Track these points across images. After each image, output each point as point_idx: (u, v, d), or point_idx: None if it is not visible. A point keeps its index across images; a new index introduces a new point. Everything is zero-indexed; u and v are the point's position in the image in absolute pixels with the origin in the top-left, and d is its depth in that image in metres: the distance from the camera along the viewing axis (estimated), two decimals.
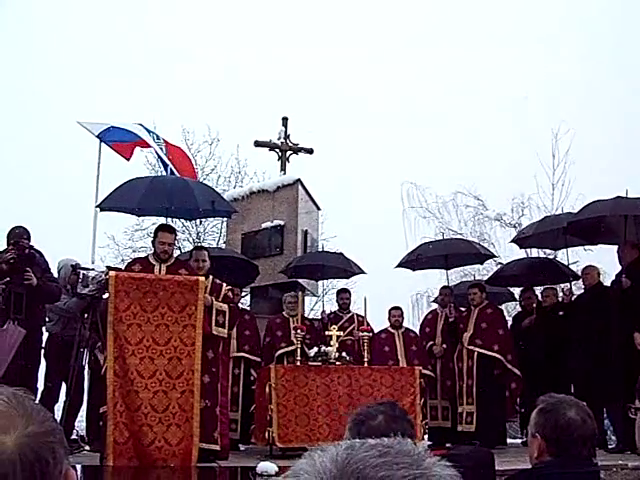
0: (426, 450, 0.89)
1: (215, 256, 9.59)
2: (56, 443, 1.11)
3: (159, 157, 11.78)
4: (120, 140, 11.50)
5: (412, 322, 17.30)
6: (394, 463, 0.84)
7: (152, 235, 7.72)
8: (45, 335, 7.91)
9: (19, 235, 7.14)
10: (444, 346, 9.86)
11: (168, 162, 11.50)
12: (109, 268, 7.70)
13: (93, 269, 7.76)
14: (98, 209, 9.17)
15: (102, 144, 11.43)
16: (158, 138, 11.79)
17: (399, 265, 10.97)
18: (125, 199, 8.48)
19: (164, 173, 11.50)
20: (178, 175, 10.85)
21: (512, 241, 10.97)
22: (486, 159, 25.26)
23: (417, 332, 10.20)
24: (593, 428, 2.66)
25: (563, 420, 2.61)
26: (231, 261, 10.38)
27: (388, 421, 2.36)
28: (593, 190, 13.63)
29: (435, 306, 11.32)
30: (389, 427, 2.33)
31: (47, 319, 7.92)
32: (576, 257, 13.45)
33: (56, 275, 7.94)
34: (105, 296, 7.00)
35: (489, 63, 29.22)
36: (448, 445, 7.68)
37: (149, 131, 11.87)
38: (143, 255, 8.75)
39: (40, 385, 7.69)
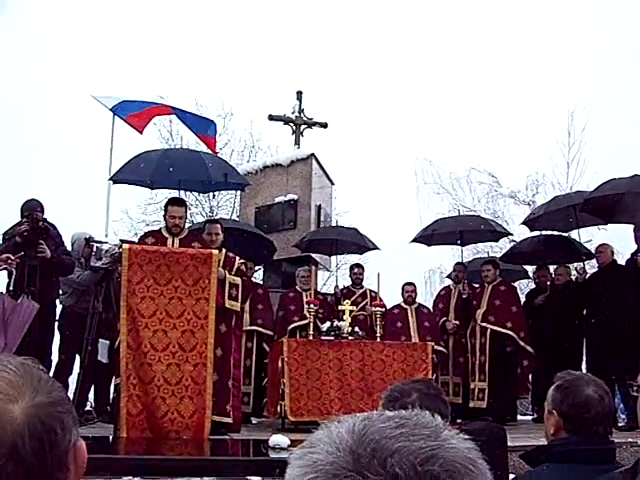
0: (444, 423, 0.87)
1: (231, 228, 9.60)
2: (64, 413, 1.09)
3: (183, 115, 11.54)
4: (135, 110, 11.41)
5: (425, 298, 17.29)
6: (411, 434, 0.82)
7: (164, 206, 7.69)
8: (59, 308, 7.93)
9: (33, 208, 7.13)
10: (457, 322, 9.85)
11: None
12: (122, 241, 7.70)
13: (106, 242, 7.78)
14: (111, 183, 9.15)
15: (115, 117, 11.39)
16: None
17: (414, 240, 10.93)
18: (138, 171, 8.46)
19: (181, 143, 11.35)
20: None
21: (523, 223, 10.88)
22: (501, 136, 25.13)
23: (430, 308, 10.18)
24: (610, 405, 2.63)
25: (580, 397, 2.58)
26: (248, 236, 10.36)
27: (422, 399, 2.33)
28: (608, 168, 13.54)
29: (449, 282, 11.30)
30: (423, 405, 2.30)
31: (61, 292, 7.95)
32: (589, 236, 13.40)
33: (70, 248, 7.95)
34: (118, 269, 7.01)
35: (505, 39, 29.00)
36: (460, 421, 7.66)
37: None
38: (156, 228, 8.75)
39: (54, 357, 7.73)
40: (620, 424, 8.07)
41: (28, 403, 1.05)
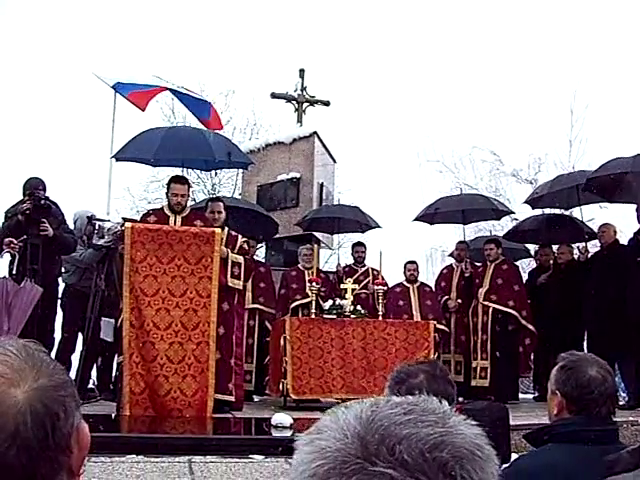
0: (452, 408, 0.87)
1: (233, 206, 9.59)
2: (67, 396, 1.09)
3: (182, 96, 11.45)
4: (136, 89, 11.34)
5: (426, 276, 17.29)
6: (419, 421, 0.82)
7: (166, 184, 7.68)
8: (61, 286, 7.94)
9: (34, 186, 7.11)
10: (459, 301, 9.87)
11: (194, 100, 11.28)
12: (125, 219, 7.69)
13: (109, 220, 7.76)
14: (114, 160, 9.13)
15: (117, 95, 11.34)
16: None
17: (417, 219, 10.91)
18: (141, 149, 8.43)
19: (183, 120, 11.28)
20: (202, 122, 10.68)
21: (525, 202, 10.85)
22: (503, 115, 25.06)
23: (432, 286, 10.18)
24: (613, 386, 2.64)
25: (584, 378, 2.58)
26: (251, 214, 10.35)
27: (429, 380, 2.33)
28: (611, 147, 13.50)
29: (451, 261, 11.30)
30: (430, 387, 2.31)
31: (63, 270, 7.95)
32: (592, 214, 13.38)
33: (72, 226, 7.94)
34: (120, 247, 6.99)
35: (508, 17, 28.81)
36: (461, 399, 7.69)
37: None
38: (158, 206, 8.71)
39: (57, 335, 7.75)
40: (621, 402, 8.10)
41: (30, 386, 1.04)
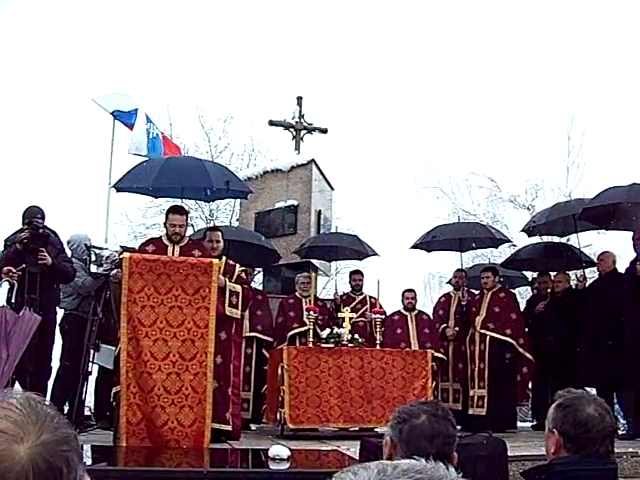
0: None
1: (235, 240, 9.63)
2: (70, 451, 1.10)
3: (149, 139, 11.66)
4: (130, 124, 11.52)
5: (424, 303, 17.27)
6: None
7: (164, 213, 7.70)
8: (60, 312, 7.93)
9: (33, 214, 7.14)
10: (457, 329, 9.85)
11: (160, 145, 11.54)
12: (123, 248, 7.71)
13: (107, 248, 7.79)
14: (114, 190, 9.17)
15: (116, 122, 11.44)
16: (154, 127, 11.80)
17: (414, 246, 10.91)
18: (139, 179, 8.45)
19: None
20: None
21: (522, 230, 10.88)
22: (501, 140, 25.15)
23: (430, 315, 10.17)
24: (612, 425, 2.63)
25: (582, 416, 2.58)
26: (252, 246, 10.35)
27: (431, 421, 2.34)
28: (608, 173, 13.55)
29: (448, 287, 11.30)
30: (432, 427, 2.32)
31: (62, 295, 7.94)
32: (589, 240, 13.39)
33: (67, 250, 7.94)
34: (113, 272, 6.96)
35: (505, 43, 29.01)
36: (459, 434, 7.67)
37: (148, 119, 11.83)
38: (156, 233, 8.72)
39: (55, 364, 7.74)
40: (620, 432, 8.07)
41: (34, 443, 1.05)
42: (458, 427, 7.49)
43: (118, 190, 8.84)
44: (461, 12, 30.69)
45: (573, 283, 9.66)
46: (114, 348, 6.68)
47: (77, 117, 23.70)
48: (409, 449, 2.33)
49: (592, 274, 10.90)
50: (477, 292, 10.05)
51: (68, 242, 8.18)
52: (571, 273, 10.63)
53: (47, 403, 1.15)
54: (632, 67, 26.67)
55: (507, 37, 28.86)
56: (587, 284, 9.13)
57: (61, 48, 30.20)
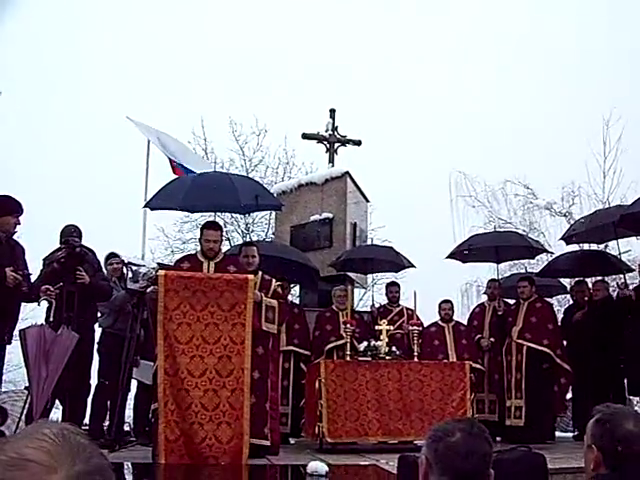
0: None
1: (276, 256, 9.65)
2: None
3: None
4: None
5: (461, 312, 17.18)
6: None
7: (199, 228, 7.75)
8: (98, 331, 8.00)
9: (69, 233, 7.23)
10: (492, 339, 9.78)
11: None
12: (160, 265, 7.77)
13: (144, 265, 7.84)
14: (148, 209, 9.28)
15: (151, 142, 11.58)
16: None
17: (449, 256, 10.86)
18: (169, 198, 8.53)
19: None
20: None
21: (561, 238, 10.78)
22: (536, 147, 24.93)
23: (467, 325, 10.11)
24: None
25: (621, 432, 2.54)
26: (294, 264, 10.38)
27: (466, 439, 2.31)
28: None
29: (484, 298, 11.23)
30: (467, 445, 2.30)
31: (99, 314, 8.02)
32: (628, 246, 13.22)
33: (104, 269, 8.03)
34: (150, 289, 7.02)
35: (539, 48, 28.81)
36: (499, 449, 7.60)
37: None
38: (192, 248, 8.76)
39: (93, 381, 7.80)
40: None
41: (67, 473, 1.06)
42: (497, 438, 7.42)
43: (151, 209, 8.94)
44: (494, 16, 30.53)
45: (613, 290, 9.53)
46: (152, 364, 6.73)
47: (112, 134, 23.90)
48: (444, 468, 2.31)
49: (632, 280, 10.74)
50: (512, 302, 9.96)
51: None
52: (610, 280, 10.49)
53: (80, 433, 1.16)
54: None
55: (541, 42, 28.67)
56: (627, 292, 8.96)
57: (97, 65, 30.56)
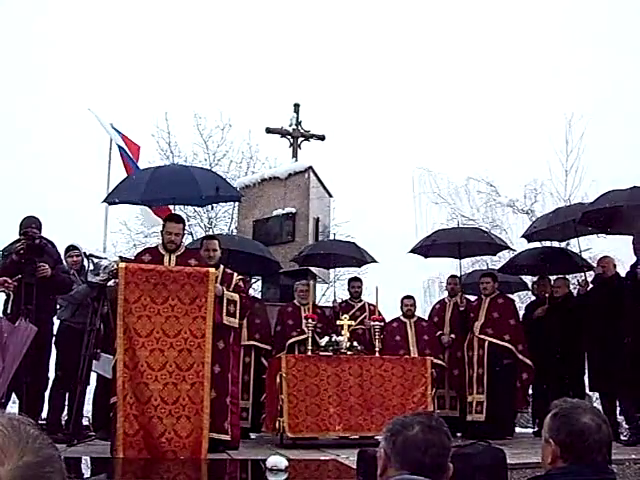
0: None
1: (235, 250, 9.61)
2: (53, 472, 1.08)
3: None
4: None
5: (423, 309, 17.25)
6: None
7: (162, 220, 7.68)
8: (56, 324, 7.90)
9: (29, 224, 7.13)
10: (452, 336, 9.83)
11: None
12: (121, 258, 7.69)
13: (106, 258, 7.76)
14: (107, 205, 9.19)
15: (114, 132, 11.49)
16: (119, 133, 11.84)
17: (412, 250, 10.87)
18: (129, 192, 8.45)
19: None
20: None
21: (523, 236, 10.86)
22: (499, 145, 25.12)
23: (429, 321, 10.15)
24: (609, 434, 2.60)
25: (578, 425, 2.55)
26: (254, 257, 10.34)
27: (425, 432, 2.32)
28: (607, 177, 13.53)
29: (446, 294, 11.29)
30: (425, 438, 2.30)
31: (58, 306, 7.92)
32: (588, 244, 13.36)
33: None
34: (110, 283, 6.97)
35: (502, 47, 29.05)
36: (459, 443, 7.66)
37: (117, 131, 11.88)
38: (154, 242, 8.70)
39: (51, 374, 7.71)
40: (623, 438, 8.04)
41: (15, 464, 1.03)
42: (458, 434, 7.46)
43: (109, 203, 8.85)
44: (457, 16, 30.74)
45: (573, 288, 9.62)
46: (112, 357, 6.66)
47: (74, 125, 23.66)
48: (403, 461, 2.31)
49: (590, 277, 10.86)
50: (474, 298, 10.02)
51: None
52: (571, 277, 10.59)
53: (31, 423, 1.14)
54: (630, 70, 26.72)
55: (504, 41, 28.91)
56: (589, 288, 9.05)
57: (60, 55, 30.22)
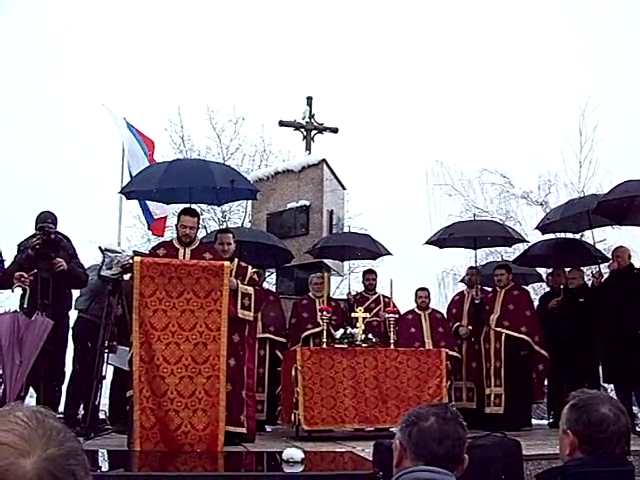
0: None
1: (247, 241, 9.63)
2: (77, 465, 1.09)
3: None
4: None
5: (438, 300, 17.25)
6: None
7: (177, 215, 7.70)
8: (73, 318, 7.94)
9: (44, 219, 7.16)
10: (470, 327, 9.81)
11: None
12: (135, 253, 7.71)
13: (121, 252, 7.79)
14: (123, 196, 9.21)
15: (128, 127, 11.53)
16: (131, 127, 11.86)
17: (428, 242, 10.82)
18: (145, 183, 8.46)
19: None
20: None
21: (536, 228, 10.81)
22: (512, 136, 25.04)
23: (443, 313, 10.13)
24: (627, 425, 2.58)
25: (596, 416, 2.54)
26: (263, 246, 10.34)
27: (440, 423, 2.33)
28: (621, 168, 13.46)
29: (462, 286, 11.25)
30: (441, 429, 2.31)
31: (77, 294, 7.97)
32: (603, 235, 13.31)
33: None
34: (126, 277, 7.00)
35: (516, 38, 28.91)
36: (474, 435, 7.64)
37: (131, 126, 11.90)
38: (168, 236, 8.71)
39: (68, 369, 7.75)
40: (639, 429, 8.01)
41: (40, 457, 1.04)
42: (476, 427, 7.44)
43: (126, 196, 8.87)
44: (471, 8, 30.58)
45: (588, 279, 9.58)
46: (129, 349, 6.69)
47: (89, 121, 23.73)
48: (418, 452, 2.32)
49: (607, 269, 10.82)
50: (490, 290, 9.99)
51: None
52: (585, 269, 10.54)
53: (54, 416, 1.14)
54: None
55: (518, 32, 28.79)
56: (602, 280, 9.02)
57: (75, 50, 30.30)
